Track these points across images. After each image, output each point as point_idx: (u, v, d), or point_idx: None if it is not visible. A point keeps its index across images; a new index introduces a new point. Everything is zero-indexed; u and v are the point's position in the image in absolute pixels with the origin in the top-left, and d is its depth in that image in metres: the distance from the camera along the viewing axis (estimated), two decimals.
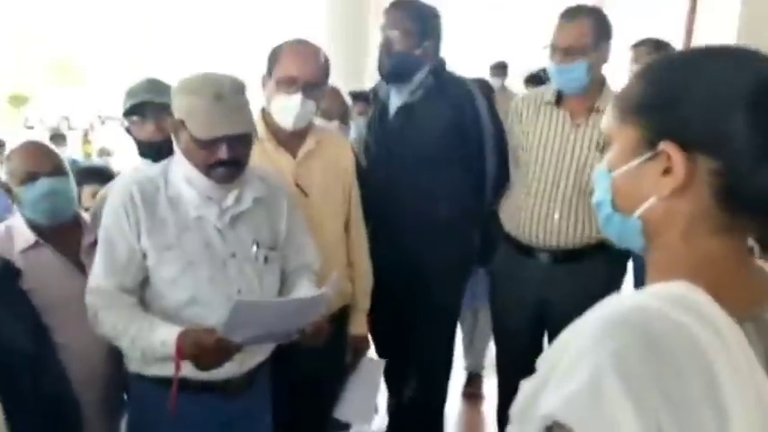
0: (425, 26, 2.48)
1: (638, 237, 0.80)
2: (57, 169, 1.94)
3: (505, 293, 2.57)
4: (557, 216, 2.35)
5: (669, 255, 0.77)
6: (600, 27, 2.27)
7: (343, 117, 2.69)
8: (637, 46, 3.52)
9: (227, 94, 1.63)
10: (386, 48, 2.46)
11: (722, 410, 0.64)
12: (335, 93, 2.69)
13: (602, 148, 2.21)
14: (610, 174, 0.81)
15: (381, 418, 3.21)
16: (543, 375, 0.74)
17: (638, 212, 0.78)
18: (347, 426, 2.70)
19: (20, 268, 1.71)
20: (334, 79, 2.31)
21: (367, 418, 2.50)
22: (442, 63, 2.57)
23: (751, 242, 0.78)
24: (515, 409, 0.78)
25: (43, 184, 1.89)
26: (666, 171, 0.74)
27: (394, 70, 2.48)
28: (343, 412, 2.41)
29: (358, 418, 2.47)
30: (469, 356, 3.85)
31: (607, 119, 0.83)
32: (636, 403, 0.64)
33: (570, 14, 2.29)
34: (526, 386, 0.77)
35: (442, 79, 2.51)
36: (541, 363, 0.77)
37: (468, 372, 3.86)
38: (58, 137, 9.00)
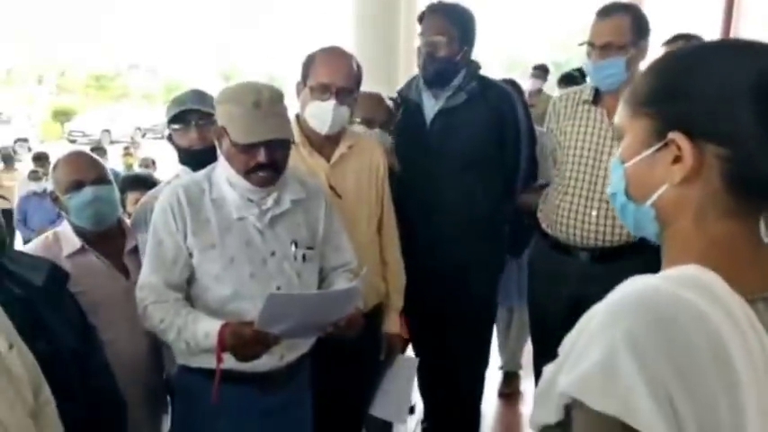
0: (466, 31, 2.52)
1: (652, 224, 0.83)
2: (101, 178, 2.03)
3: (543, 291, 2.57)
4: (594, 214, 2.34)
5: (681, 240, 0.80)
6: (637, 23, 2.26)
7: (385, 124, 2.70)
8: (669, 42, 3.49)
9: (266, 102, 1.71)
10: (431, 52, 2.49)
11: (734, 384, 0.66)
12: (379, 100, 2.72)
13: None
14: (623, 165, 0.85)
15: (418, 416, 3.24)
16: (562, 358, 0.77)
17: (650, 200, 0.81)
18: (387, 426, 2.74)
19: (67, 271, 1.79)
20: (366, 84, 2.35)
21: (401, 415, 2.53)
22: (478, 66, 2.61)
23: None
24: (537, 392, 0.81)
25: (88, 192, 1.98)
26: (676, 159, 0.77)
27: (438, 76, 2.52)
28: (378, 409, 2.45)
29: (393, 415, 2.50)
30: (505, 355, 3.85)
31: (619, 112, 0.86)
32: (648, 378, 0.66)
33: (606, 11, 2.29)
34: (547, 370, 0.80)
35: (484, 83, 2.56)
36: (562, 347, 0.79)
37: (505, 371, 3.87)
38: (98, 150, 9.25)
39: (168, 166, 2.91)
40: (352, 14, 6.09)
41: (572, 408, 0.73)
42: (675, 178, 0.77)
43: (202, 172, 1.88)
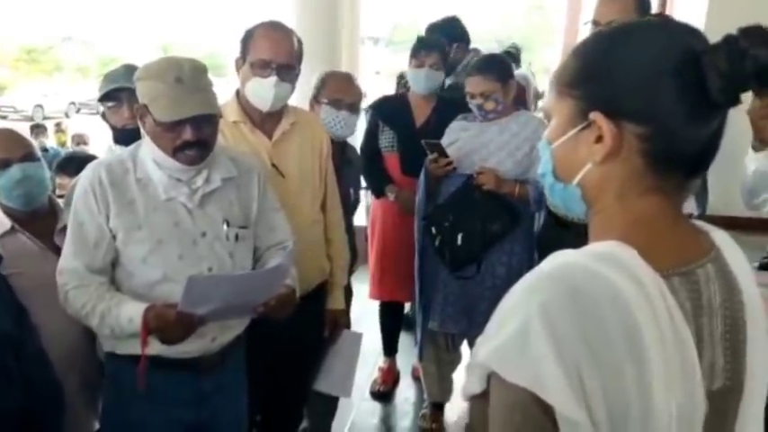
0: None
1: (578, 203, 0.85)
2: (29, 155, 1.96)
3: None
4: None
5: (605, 217, 0.82)
6: (641, 2, 2.21)
7: (354, 106, 2.65)
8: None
9: (187, 76, 1.65)
10: None
11: (641, 356, 0.69)
12: (349, 80, 2.66)
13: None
14: (550, 145, 0.86)
15: None
16: (487, 330, 0.78)
17: (576, 180, 0.83)
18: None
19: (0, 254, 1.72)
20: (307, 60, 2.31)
21: (347, 389, 2.55)
22: None
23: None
24: (468, 364, 0.82)
25: (16, 170, 1.91)
26: (598, 139, 0.78)
27: None
28: (323, 385, 2.46)
29: (338, 389, 2.52)
30: None
31: (547, 94, 0.88)
32: (558, 350, 0.68)
33: None
34: (477, 341, 0.82)
35: None
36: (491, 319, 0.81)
37: None
38: (37, 128, 8.96)
39: (104, 144, 2.83)
40: None
41: (490, 378, 0.75)
42: (597, 157, 0.79)
43: (126, 150, 1.81)
